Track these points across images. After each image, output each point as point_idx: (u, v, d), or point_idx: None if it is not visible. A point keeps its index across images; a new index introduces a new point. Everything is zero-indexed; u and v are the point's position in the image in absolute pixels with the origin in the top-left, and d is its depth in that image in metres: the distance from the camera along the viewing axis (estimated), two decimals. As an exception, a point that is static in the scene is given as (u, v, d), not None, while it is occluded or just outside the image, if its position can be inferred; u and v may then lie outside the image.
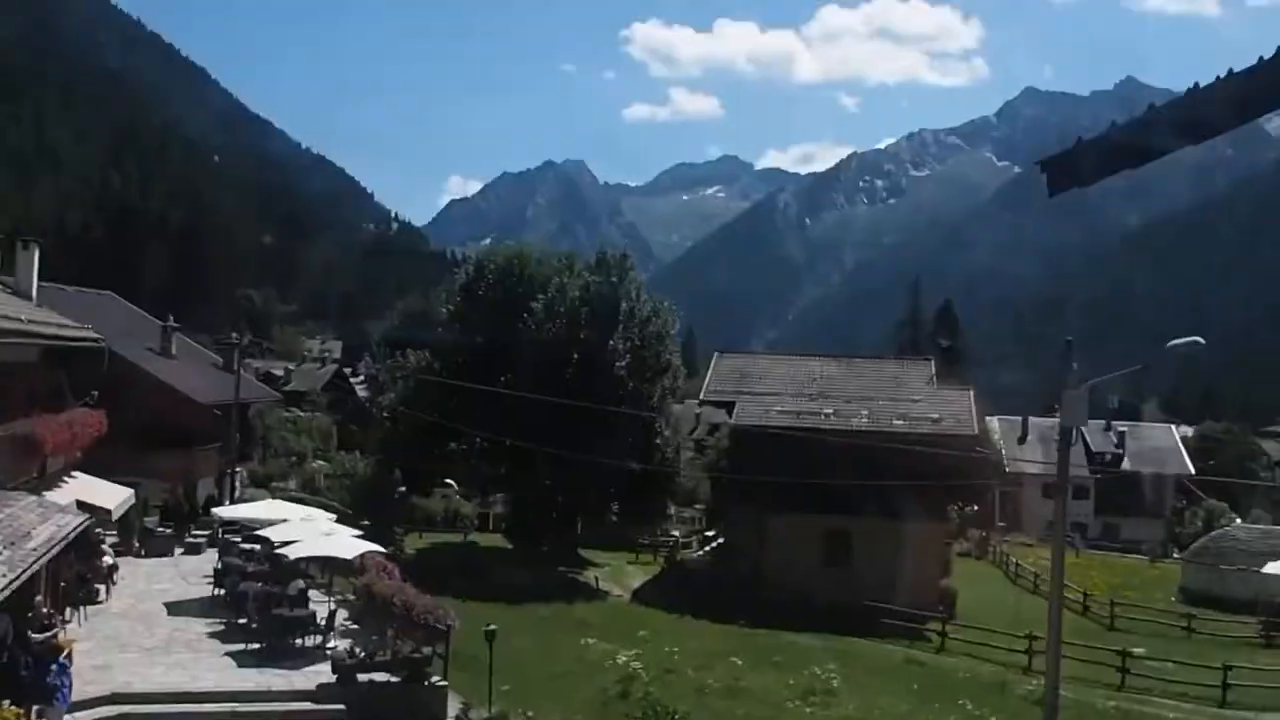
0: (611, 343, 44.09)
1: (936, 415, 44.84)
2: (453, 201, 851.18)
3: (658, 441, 47.25)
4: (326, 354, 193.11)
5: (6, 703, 18.36)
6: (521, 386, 42.71)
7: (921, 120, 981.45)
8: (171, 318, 49.42)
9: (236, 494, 46.63)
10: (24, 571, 18.29)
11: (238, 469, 48.66)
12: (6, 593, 17.31)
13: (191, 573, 34.94)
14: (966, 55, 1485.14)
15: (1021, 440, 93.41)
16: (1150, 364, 22.77)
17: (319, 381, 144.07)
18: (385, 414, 61.62)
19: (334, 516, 33.29)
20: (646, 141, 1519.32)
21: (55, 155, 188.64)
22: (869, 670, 34.04)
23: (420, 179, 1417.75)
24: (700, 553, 55.67)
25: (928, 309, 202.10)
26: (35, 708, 18.64)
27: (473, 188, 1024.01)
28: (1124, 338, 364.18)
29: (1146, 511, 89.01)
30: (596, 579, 46.13)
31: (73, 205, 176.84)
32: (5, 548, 18.75)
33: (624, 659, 29.92)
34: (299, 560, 29.04)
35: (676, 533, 61.93)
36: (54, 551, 20.88)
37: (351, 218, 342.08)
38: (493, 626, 22.75)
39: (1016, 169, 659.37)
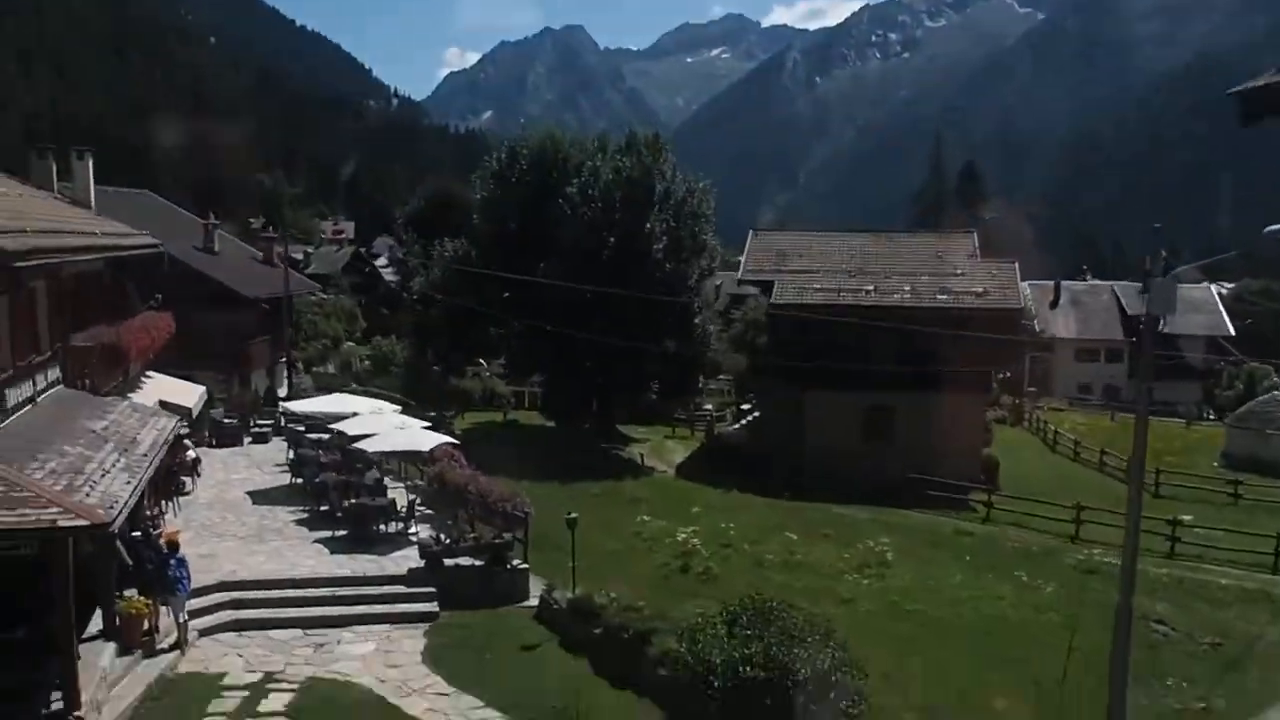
0: (648, 225, 44.39)
1: (981, 289, 45.29)
2: (450, 73, 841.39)
3: (696, 320, 47.91)
4: (341, 235, 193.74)
5: (136, 594, 19.56)
6: (559, 270, 43.27)
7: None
8: (212, 215, 49.98)
9: (293, 384, 47.66)
10: (144, 476, 19.25)
11: (299, 364, 49.67)
12: (136, 495, 18.27)
13: (264, 461, 36.26)
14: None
15: (1054, 305, 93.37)
16: (1246, 250, 23.04)
17: (338, 263, 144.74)
18: (416, 298, 62.33)
19: (399, 408, 34.22)
20: (647, 2, 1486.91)
21: (57, 46, 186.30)
22: (919, 541, 34.99)
23: (417, 51, 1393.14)
24: (736, 426, 56.68)
25: (949, 168, 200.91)
26: (161, 598, 19.82)
27: (470, 59, 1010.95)
28: (1158, 192, 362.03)
29: (1182, 374, 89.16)
30: (641, 456, 47.20)
31: (77, 95, 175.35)
32: (120, 454, 19.66)
33: (682, 535, 31.00)
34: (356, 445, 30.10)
35: (710, 406, 62.94)
36: (162, 454, 21.84)
37: (351, 94, 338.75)
38: (574, 515, 23.66)
39: (1040, 15, 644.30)
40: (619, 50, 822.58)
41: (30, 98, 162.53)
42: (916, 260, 47.80)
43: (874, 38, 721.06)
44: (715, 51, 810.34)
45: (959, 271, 46.68)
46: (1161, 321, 55.29)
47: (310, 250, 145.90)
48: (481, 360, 64.69)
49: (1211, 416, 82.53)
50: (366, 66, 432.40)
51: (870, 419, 45.19)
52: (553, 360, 46.99)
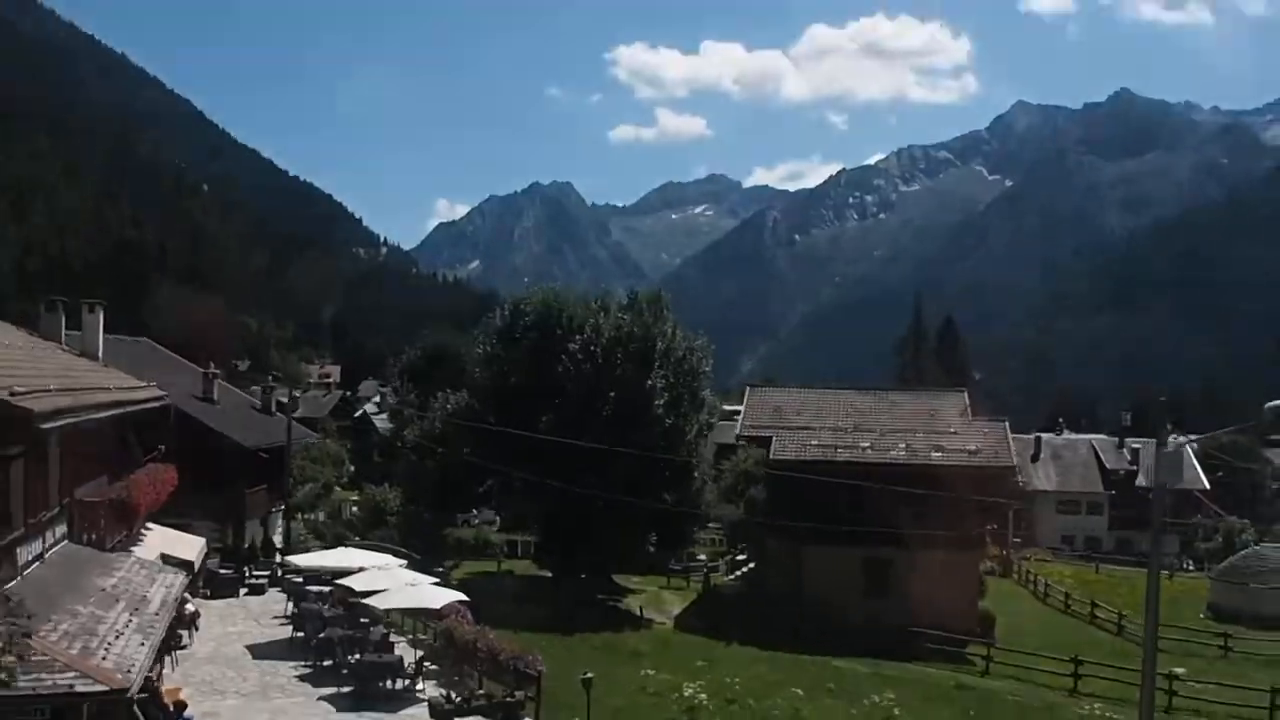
0: (650, 381, 44.96)
1: (974, 447, 45.86)
2: (440, 224, 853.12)
3: (695, 475, 48.23)
4: (328, 378, 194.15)
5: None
6: (560, 425, 43.64)
7: (911, 137, 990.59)
8: (212, 365, 50.36)
9: (290, 535, 47.44)
10: (157, 637, 19.06)
11: (291, 512, 49.54)
12: (151, 657, 18.08)
13: (261, 614, 35.81)
14: (956, 71, 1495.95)
15: (1035, 458, 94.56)
16: (1255, 424, 23.60)
17: (324, 408, 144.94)
18: (411, 448, 62.54)
19: (404, 562, 34.05)
20: (633, 162, 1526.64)
21: (49, 187, 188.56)
22: (922, 697, 34.72)
23: (407, 203, 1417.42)
24: (732, 577, 56.53)
25: (927, 323, 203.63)
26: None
27: (460, 211, 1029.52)
28: (1124, 345, 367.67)
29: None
30: (641, 609, 46.93)
31: (68, 235, 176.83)
32: (131, 614, 19.48)
33: (689, 691, 30.71)
34: (372, 606, 29.88)
35: (703, 556, 62.76)
36: (171, 613, 21.68)
37: (341, 243, 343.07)
38: (589, 675, 23.47)
39: (1009, 182, 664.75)
40: (605, 206, 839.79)
41: (21, 239, 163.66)
42: (911, 418, 48.46)
43: (851, 199, 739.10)
44: (699, 209, 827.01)
45: (952, 429, 47.30)
46: (1140, 477, 55.91)
47: (297, 394, 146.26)
48: (474, 510, 64.58)
49: (1190, 567, 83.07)
50: (357, 216, 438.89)
51: (867, 572, 45.28)
52: (551, 512, 47.00)
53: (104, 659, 16.13)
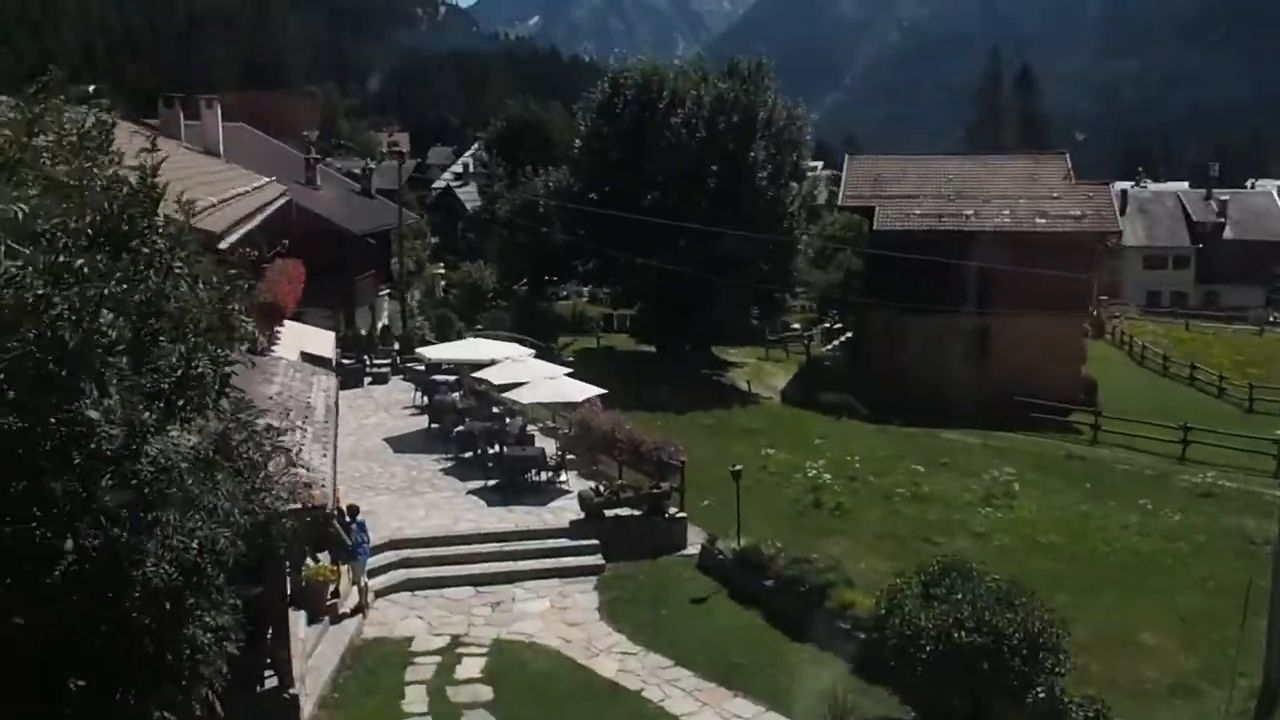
0: (753, 153, 44.39)
1: (1078, 212, 45.19)
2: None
3: (797, 248, 48.20)
4: (396, 147, 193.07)
5: (325, 559, 20.24)
6: (664, 200, 43.50)
7: None
8: (313, 150, 50.35)
9: (406, 324, 48.25)
10: (333, 446, 19.62)
11: (402, 294, 50.28)
12: (334, 469, 18.71)
13: (390, 404, 36.78)
14: None
15: (1122, 211, 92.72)
16: None
17: (400, 179, 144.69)
18: (503, 224, 62.67)
19: (532, 352, 34.49)
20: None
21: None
22: (1035, 468, 35.36)
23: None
24: (828, 348, 57.06)
25: (1003, 69, 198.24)
26: (344, 564, 20.49)
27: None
28: (1197, 81, 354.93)
29: (1246, 277, 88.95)
30: (748, 383, 47.63)
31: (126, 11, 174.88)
32: (303, 422, 20.03)
33: (812, 471, 31.54)
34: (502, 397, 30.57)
35: (797, 325, 63.19)
36: (335, 419, 22.25)
37: (399, 5, 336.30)
38: (738, 467, 24.08)
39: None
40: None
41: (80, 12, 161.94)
42: (1012, 183, 47.64)
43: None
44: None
45: (1055, 195, 46.52)
46: (1228, 229, 55.00)
47: (371, 165, 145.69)
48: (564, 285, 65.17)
49: (1273, 317, 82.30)
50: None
51: (970, 340, 45.47)
52: (655, 287, 47.14)
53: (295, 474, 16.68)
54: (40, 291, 6.54)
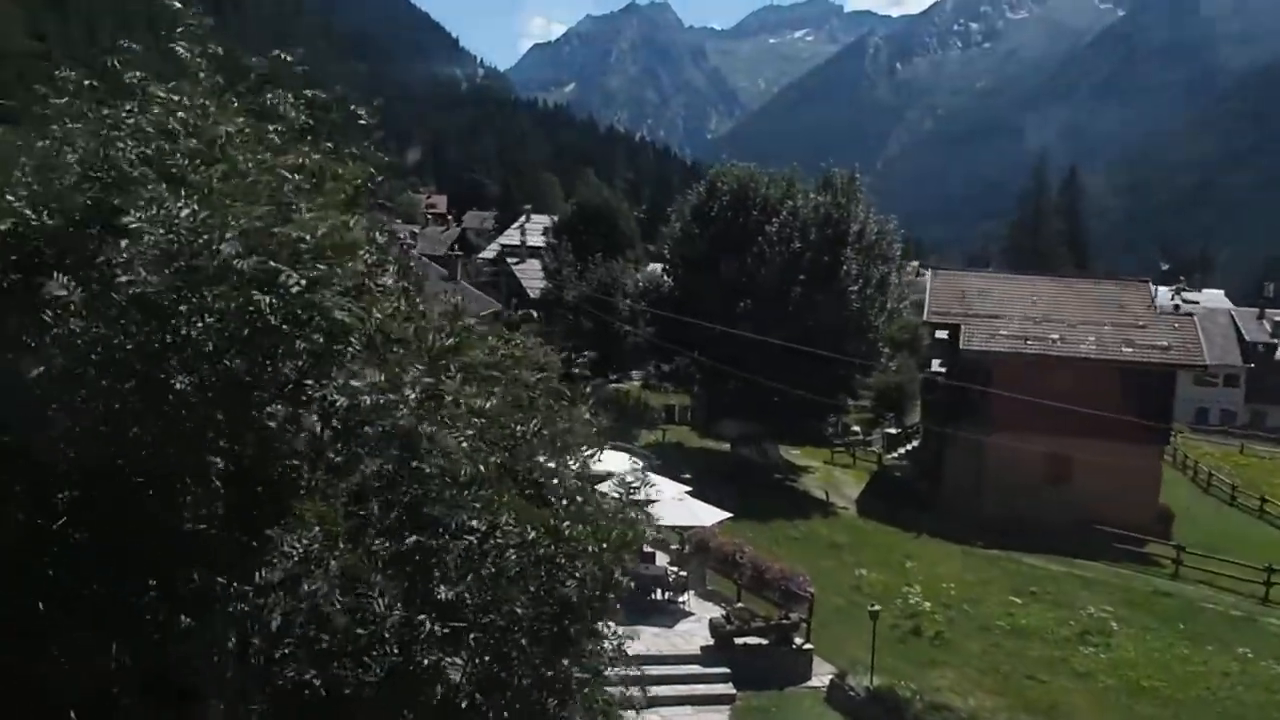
0: (845, 266, 44.94)
1: (1165, 343, 45.60)
2: (535, 45, 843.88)
3: (880, 360, 48.75)
4: (434, 208, 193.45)
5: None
6: (756, 308, 44.03)
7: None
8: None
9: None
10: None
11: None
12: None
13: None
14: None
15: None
16: None
17: (443, 244, 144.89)
18: (570, 309, 63.27)
19: (643, 463, 34.51)
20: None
21: None
22: (1124, 603, 35.41)
23: (501, 21, 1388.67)
24: (895, 455, 57.32)
25: (1021, 164, 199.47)
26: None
27: (556, 31, 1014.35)
28: (1238, 190, 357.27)
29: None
30: (827, 494, 47.88)
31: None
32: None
33: (913, 599, 31.66)
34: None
35: (856, 428, 63.44)
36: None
37: (439, 64, 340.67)
38: (876, 607, 24.31)
39: (1120, 11, 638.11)
40: (702, 29, 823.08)
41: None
42: (1096, 309, 48.07)
43: (955, 27, 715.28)
44: (798, 34, 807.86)
45: (1140, 323, 46.95)
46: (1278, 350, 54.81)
47: (416, 230, 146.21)
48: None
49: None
50: (454, 35, 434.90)
51: (1050, 464, 45.64)
52: (738, 393, 47.30)
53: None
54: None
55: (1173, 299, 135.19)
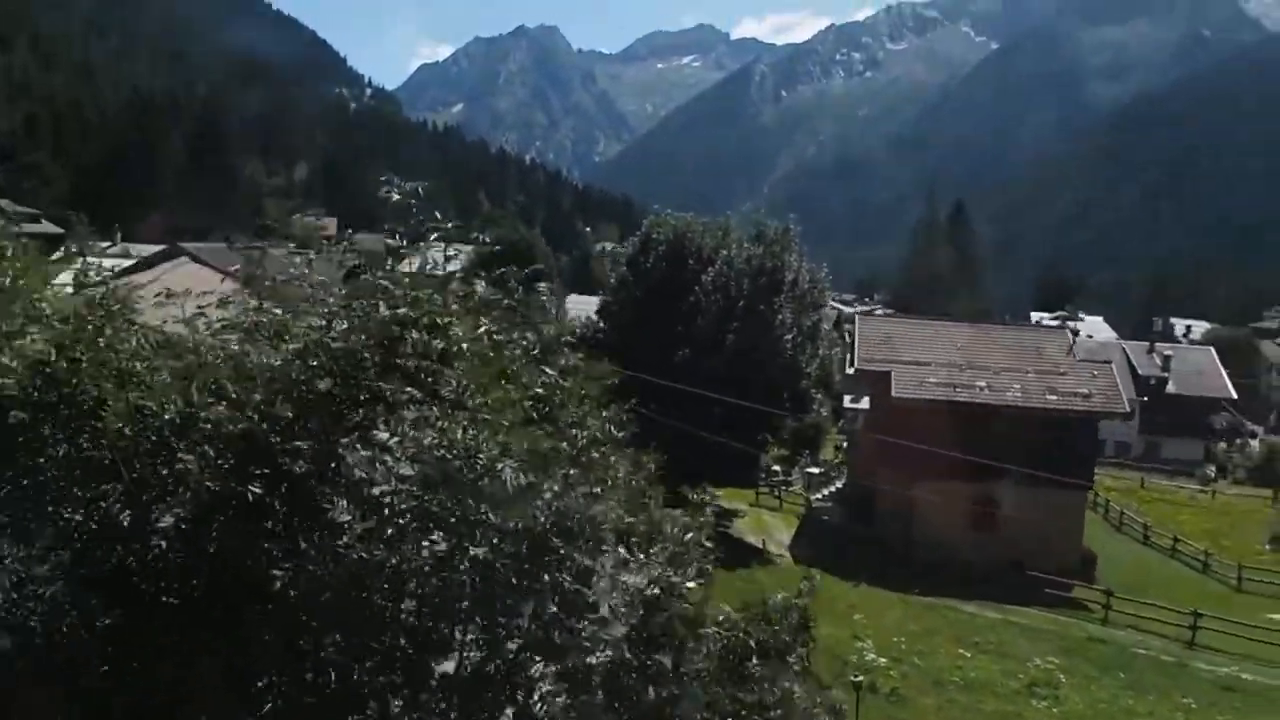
0: (780, 316, 45.40)
1: (1087, 391, 46.97)
2: (423, 65, 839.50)
3: (813, 409, 49.39)
4: (324, 231, 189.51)
5: None
6: (692, 357, 44.25)
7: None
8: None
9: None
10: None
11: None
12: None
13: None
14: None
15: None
16: None
17: (338, 271, 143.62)
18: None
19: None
20: (621, 7, 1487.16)
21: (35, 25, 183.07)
22: (1061, 650, 36.25)
23: (389, 41, 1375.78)
24: (820, 497, 57.96)
25: (904, 187, 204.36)
26: None
27: (444, 52, 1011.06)
28: (1108, 216, 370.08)
29: (1184, 430, 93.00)
30: (764, 541, 48.21)
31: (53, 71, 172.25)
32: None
33: (868, 655, 31.98)
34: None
35: (777, 467, 63.94)
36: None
37: (325, 83, 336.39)
38: (860, 678, 24.50)
39: (994, 45, 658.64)
40: (591, 52, 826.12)
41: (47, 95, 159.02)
42: (1018, 356, 49.35)
43: (838, 56, 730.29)
44: (686, 59, 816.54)
45: (1061, 370, 48.33)
46: (1171, 384, 57.24)
47: (313, 256, 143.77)
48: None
49: (1210, 473, 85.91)
50: (341, 54, 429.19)
51: (978, 510, 46.69)
52: (670, 435, 47.41)
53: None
54: None
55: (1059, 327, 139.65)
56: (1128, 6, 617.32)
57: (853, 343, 50.45)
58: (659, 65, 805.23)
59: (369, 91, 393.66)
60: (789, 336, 45.81)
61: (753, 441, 47.67)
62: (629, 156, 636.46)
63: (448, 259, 7.86)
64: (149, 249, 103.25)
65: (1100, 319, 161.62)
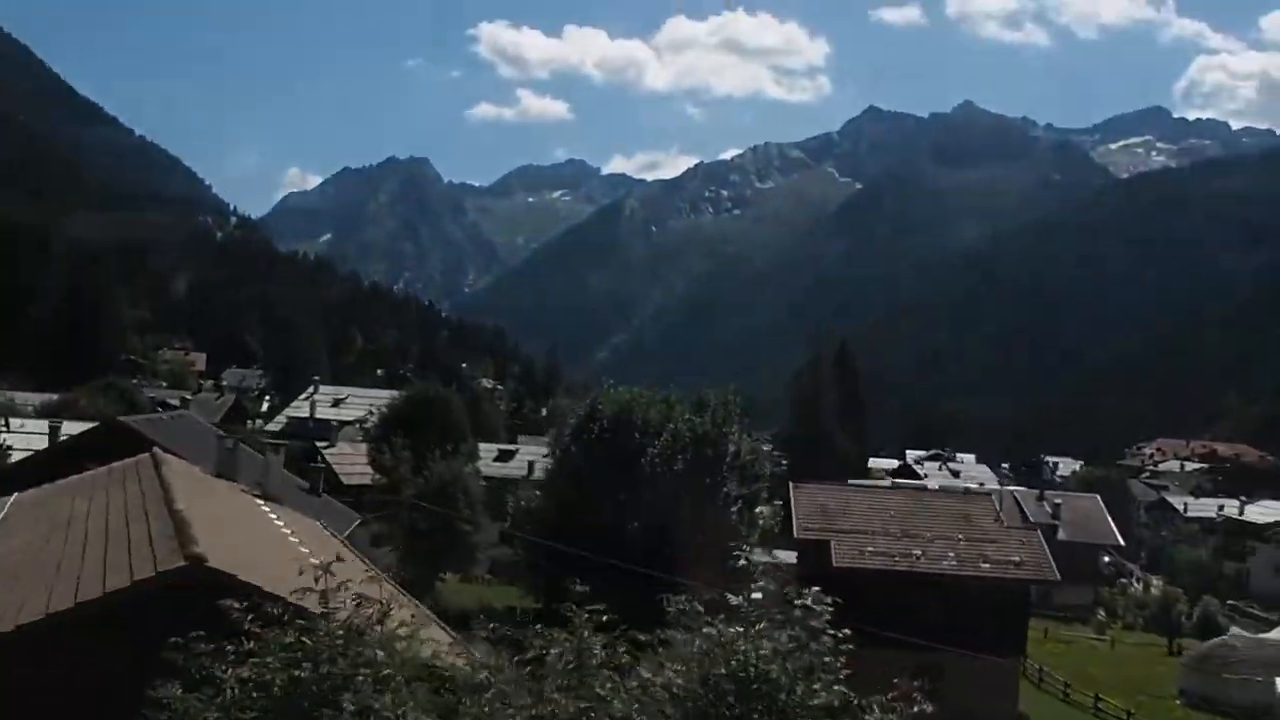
0: (726, 489, 46.28)
1: (1017, 559, 48.51)
2: (291, 194, 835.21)
3: (753, 578, 50.08)
4: (193, 366, 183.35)
5: None
6: (642, 531, 44.79)
7: (766, 134, 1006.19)
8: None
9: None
10: None
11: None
12: None
13: None
14: (811, 72, 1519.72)
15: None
16: None
17: (217, 412, 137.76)
18: (410, 507, 62.34)
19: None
20: (492, 142, 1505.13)
21: None
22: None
23: (256, 170, 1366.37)
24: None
25: (773, 320, 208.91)
26: None
27: (312, 182, 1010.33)
28: (966, 356, 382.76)
29: (1076, 578, 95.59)
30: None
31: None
32: None
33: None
34: None
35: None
36: None
37: (190, 212, 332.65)
38: None
39: (859, 185, 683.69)
40: (462, 185, 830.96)
41: None
42: (948, 522, 50.73)
43: (707, 193, 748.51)
44: (556, 194, 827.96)
45: (991, 538, 49.82)
46: (1061, 531, 59.23)
47: (188, 397, 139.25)
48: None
49: (1100, 616, 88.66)
50: (207, 182, 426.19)
51: (919, 676, 47.17)
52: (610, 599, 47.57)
53: None
54: None
55: (940, 469, 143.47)
56: (985, 151, 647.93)
57: (788, 511, 51.21)
58: (529, 199, 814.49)
59: (234, 220, 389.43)
60: (734, 508, 46.64)
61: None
62: (500, 288, 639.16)
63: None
64: (34, 398, 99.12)
65: (973, 457, 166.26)
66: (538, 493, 50.73)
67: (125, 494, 21.37)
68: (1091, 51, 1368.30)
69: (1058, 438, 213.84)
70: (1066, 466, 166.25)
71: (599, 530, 44.70)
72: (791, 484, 53.15)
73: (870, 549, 48.14)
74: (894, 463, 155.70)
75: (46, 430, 55.18)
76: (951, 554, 48.42)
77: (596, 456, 47.51)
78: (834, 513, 50.54)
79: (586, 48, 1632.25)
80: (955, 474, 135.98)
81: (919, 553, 48.23)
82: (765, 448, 50.82)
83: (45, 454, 42.44)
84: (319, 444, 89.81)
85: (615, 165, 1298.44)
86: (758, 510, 49.38)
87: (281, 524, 24.07)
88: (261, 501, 27.36)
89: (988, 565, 47.93)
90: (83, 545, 17.88)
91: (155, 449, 26.30)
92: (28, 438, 56.36)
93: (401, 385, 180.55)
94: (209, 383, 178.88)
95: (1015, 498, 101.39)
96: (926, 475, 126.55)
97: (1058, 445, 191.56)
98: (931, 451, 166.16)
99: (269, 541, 22.05)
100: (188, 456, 30.48)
